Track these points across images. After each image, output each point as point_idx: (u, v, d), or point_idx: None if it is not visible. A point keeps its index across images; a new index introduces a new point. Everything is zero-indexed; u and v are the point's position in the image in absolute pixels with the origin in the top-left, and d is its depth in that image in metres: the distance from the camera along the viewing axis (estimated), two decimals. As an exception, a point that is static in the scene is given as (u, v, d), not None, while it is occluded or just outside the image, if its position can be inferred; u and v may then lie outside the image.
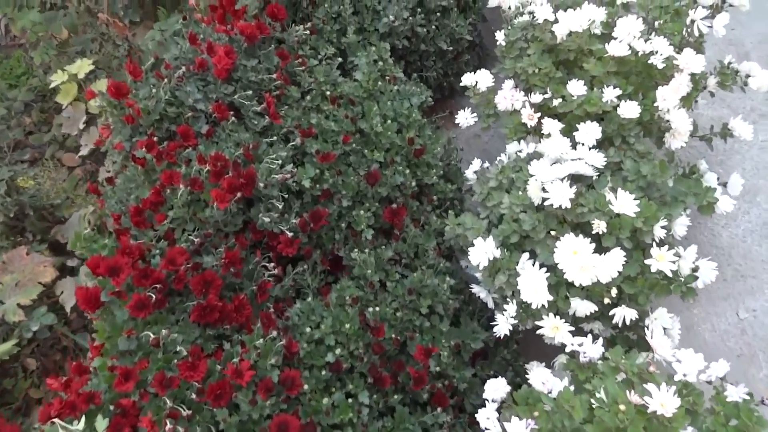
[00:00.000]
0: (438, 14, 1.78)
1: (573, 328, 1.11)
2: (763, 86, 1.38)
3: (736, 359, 1.37)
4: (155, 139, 1.36)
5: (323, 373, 1.16)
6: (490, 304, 1.26)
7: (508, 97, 1.39)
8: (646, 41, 1.31)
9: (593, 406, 0.92)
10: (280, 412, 1.09)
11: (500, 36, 1.48)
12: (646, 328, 1.13)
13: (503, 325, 1.17)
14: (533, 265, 1.14)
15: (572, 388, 0.99)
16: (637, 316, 1.11)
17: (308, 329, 1.20)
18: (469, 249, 1.18)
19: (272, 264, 1.29)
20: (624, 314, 1.11)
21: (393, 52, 1.68)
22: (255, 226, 1.31)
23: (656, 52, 1.30)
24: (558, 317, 1.11)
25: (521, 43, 1.45)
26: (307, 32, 1.60)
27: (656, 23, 1.38)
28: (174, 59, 1.48)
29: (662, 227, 1.12)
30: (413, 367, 1.21)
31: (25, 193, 2.02)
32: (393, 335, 1.23)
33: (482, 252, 1.16)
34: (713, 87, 1.43)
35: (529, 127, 1.36)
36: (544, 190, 1.16)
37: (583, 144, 1.25)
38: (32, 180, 2.16)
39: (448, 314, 1.30)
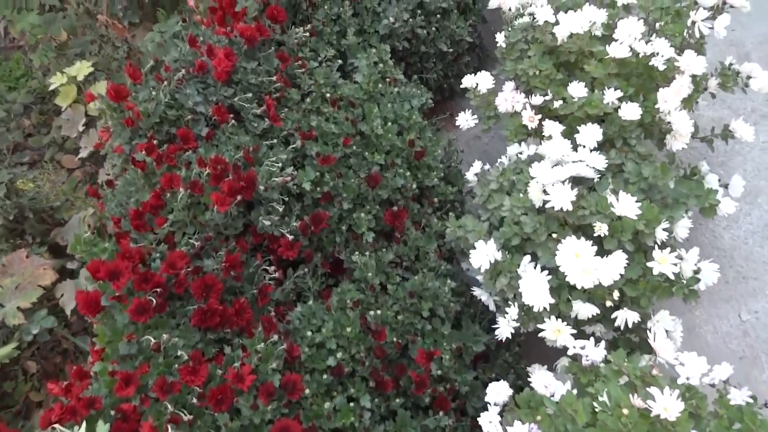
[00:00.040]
0: (438, 16, 1.78)
1: (575, 331, 1.11)
2: (764, 87, 1.38)
3: (738, 361, 1.36)
4: (155, 142, 1.36)
5: (324, 377, 1.16)
6: (492, 307, 1.26)
7: (509, 99, 1.38)
8: (647, 43, 1.31)
9: (596, 410, 0.92)
10: (281, 417, 1.09)
11: (500, 38, 1.47)
12: (648, 331, 1.12)
13: (505, 328, 1.16)
14: (535, 267, 1.13)
15: (575, 391, 0.99)
16: (639, 319, 1.11)
17: (309, 333, 1.19)
18: (470, 251, 1.18)
19: (273, 267, 1.28)
20: (626, 317, 1.10)
21: (393, 53, 1.68)
22: (255, 229, 1.30)
23: (657, 54, 1.30)
24: (560, 320, 1.11)
25: (522, 45, 1.45)
26: (307, 34, 1.60)
27: (657, 25, 1.38)
28: (174, 62, 1.48)
29: (664, 230, 1.12)
30: (415, 371, 1.20)
31: (24, 196, 2.01)
32: (394, 339, 1.22)
33: (483, 255, 1.16)
34: (714, 88, 1.43)
35: (529, 129, 1.36)
36: (545, 192, 1.15)
37: (584, 146, 1.25)
38: (32, 182, 2.16)
39: (449, 317, 1.29)
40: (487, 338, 1.28)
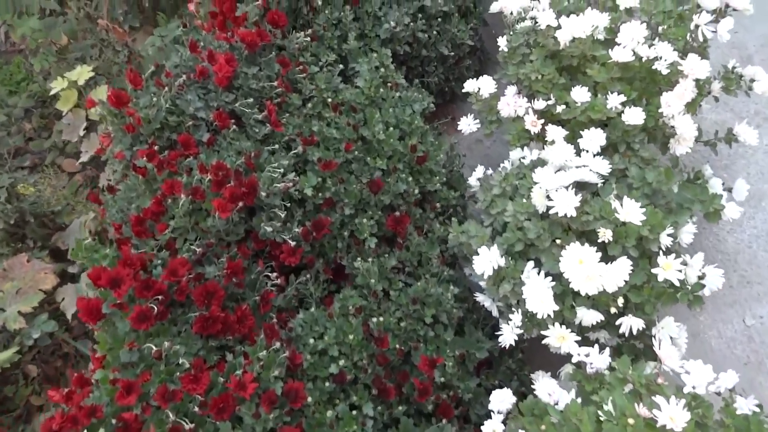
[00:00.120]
0: (439, 19, 1.77)
1: (579, 338, 1.10)
2: (768, 91, 1.37)
3: (743, 367, 1.36)
4: (156, 148, 1.35)
5: (327, 384, 1.15)
6: (495, 313, 1.25)
7: (511, 104, 1.37)
8: (650, 47, 1.30)
9: (601, 419, 0.91)
10: (283, 425, 1.08)
11: (502, 42, 1.47)
12: (653, 338, 1.12)
13: (508, 335, 1.16)
14: (538, 273, 1.13)
15: (579, 399, 0.98)
16: (644, 326, 1.10)
17: (311, 340, 1.19)
18: (473, 257, 1.17)
19: (275, 273, 1.28)
20: (630, 324, 1.10)
21: (394, 57, 1.67)
22: (257, 235, 1.30)
23: (660, 58, 1.29)
24: (564, 327, 1.10)
25: (523, 49, 1.44)
26: (308, 39, 1.59)
27: (660, 28, 1.37)
28: (174, 67, 1.47)
29: (668, 235, 1.11)
30: (418, 378, 1.20)
31: (25, 200, 2.01)
32: (397, 345, 1.22)
33: (487, 261, 1.15)
34: (717, 92, 1.42)
35: (532, 133, 1.35)
36: (548, 197, 1.15)
37: (587, 151, 1.24)
38: (32, 187, 2.15)
39: (452, 323, 1.29)
40: (491, 344, 1.28)
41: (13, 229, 2.01)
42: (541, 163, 1.28)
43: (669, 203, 1.21)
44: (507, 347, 1.18)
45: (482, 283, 1.22)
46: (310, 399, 1.12)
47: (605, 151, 1.26)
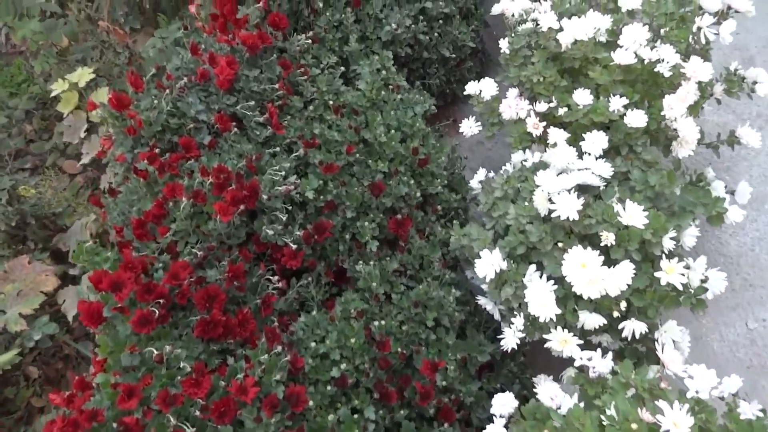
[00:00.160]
0: (440, 21, 1.77)
1: (581, 342, 1.10)
2: (771, 93, 1.36)
3: (746, 371, 1.35)
4: (157, 150, 1.35)
5: (328, 388, 1.15)
6: (497, 316, 1.25)
7: (513, 106, 1.37)
8: (652, 49, 1.30)
9: (604, 424, 0.91)
10: (285, 429, 1.08)
11: (504, 44, 1.46)
12: (655, 342, 1.11)
13: (510, 339, 1.15)
14: (540, 277, 1.12)
15: (582, 404, 0.98)
16: (647, 330, 1.10)
17: (313, 343, 1.18)
18: (475, 261, 1.17)
19: (276, 277, 1.27)
20: (633, 328, 1.09)
21: (395, 59, 1.67)
22: (258, 238, 1.29)
23: (663, 60, 1.28)
24: (566, 330, 1.10)
25: (525, 51, 1.44)
26: (309, 41, 1.59)
27: (662, 30, 1.36)
28: (175, 70, 1.47)
29: (671, 239, 1.10)
30: (419, 382, 1.19)
31: (26, 202, 2.01)
32: (399, 349, 1.21)
33: (489, 264, 1.15)
34: (720, 94, 1.42)
35: (534, 136, 1.35)
36: (550, 200, 1.14)
37: (589, 154, 1.24)
38: (33, 189, 2.15)
39: (454, 327, 1.28)
40: (492, 348, 1.27)
41: (14, 230, 2.01)
42: (543, 165, 1.27)
43: (671, 206, 1.20)
44: (509, 350, 1.17)
45: (484, 287, 1.21)
46: (311, 403, 1.12)
47: (607, 154, 1.26)
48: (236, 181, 1.26)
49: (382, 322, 1.22)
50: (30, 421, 1.83)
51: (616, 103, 1.27)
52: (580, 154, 1.24)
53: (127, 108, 1.39)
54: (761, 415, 0.94)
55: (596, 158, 1.22)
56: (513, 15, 1.50)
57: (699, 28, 1.34)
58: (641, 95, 1.31)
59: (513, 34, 1.47)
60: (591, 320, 1.10)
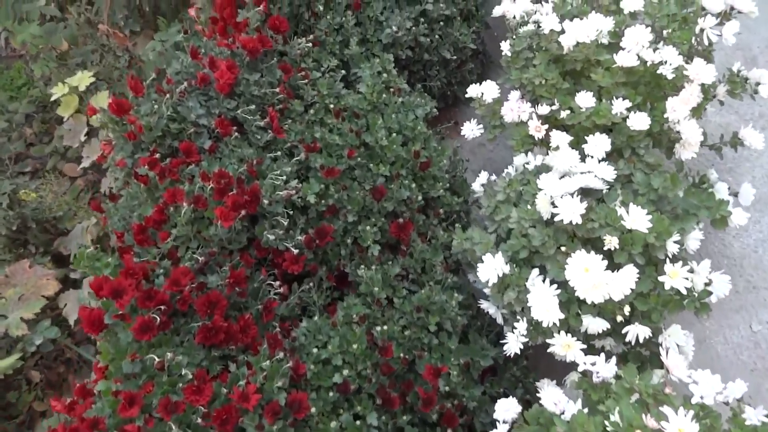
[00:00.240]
0: (441, 23, 1.76)
1: (585, 346, 1.09)
2: (774, 94, 1.36)
3: (750, 373, 1.34)
4: (157, 155, 1.34)
5: (331, 394, 1.14)
6: (499, 320, 1.24)
7: (515, 109, 1.36)
8: (654, 51, 1.29)
9: (608, 429, 0.90)
10: (287, 436, 1.08)
11: (505, 46, 1.46)
12: (659, 346, 1.11)
13: (513, 343, 1.15)
14: (543, 281, 1.12)
15: (585, 409, 0.97)
16: (651, 334, 1.09)
17: (315, 349, 1.18)
18: (478, 264, 1.16)
19: (277, 282, 1.27)
20: (637, 332, 1.08)
21: (396, 62, 1.66)
22: (259, 243, 1.29)
23: (665, 62, 1.28)
24: (569, 335, 1.09)
25: (527, 54, 1.43)
26: (310, 44, 1.58)
27: (664, 32, 1.36)
28: (176, 74, 1.46)
29: (675, 242, 1.10)
30: (422, 387, 1.19)
31: (27, 206, 2.01)
32: (401, 354, 1.21)
33: (491, 268, 1.14)
34: (723, 95, 1.41)
35: (536, 139, 1.34)
36: (553, 204, 1.14)
37: (592, 156, 1.23)
38: (34, 193, 2.15)
39: (456, 331, 1.28)
40: (495, 352, 1.27)
41: (15, 235, 2.00)
42: (546, 168, 1.27)
43: (675, 209, 1.20)
44: (512, 355, 1.17)
45: (486, 290, 1.21)
46: (313, 409, 1.11)
47: (610, 157, 1.25)
48: (237, 186, 1.25)
49: (385, 327, 1.21)
50: (32, 425, 1.83)
51: (619, 105, 1.26)
52: (583, 157, 1.23)
53: (127, 113, 1.39)
54: (766, 420, 0.93)
55: (599, 161, 1.22)
56: (514, 17, 1.50)
57: (702, 30, 1.34)
58: (644, 97, 1.31)
59: (514, 36, 1.46)
60: (594, 324, 1.09)
